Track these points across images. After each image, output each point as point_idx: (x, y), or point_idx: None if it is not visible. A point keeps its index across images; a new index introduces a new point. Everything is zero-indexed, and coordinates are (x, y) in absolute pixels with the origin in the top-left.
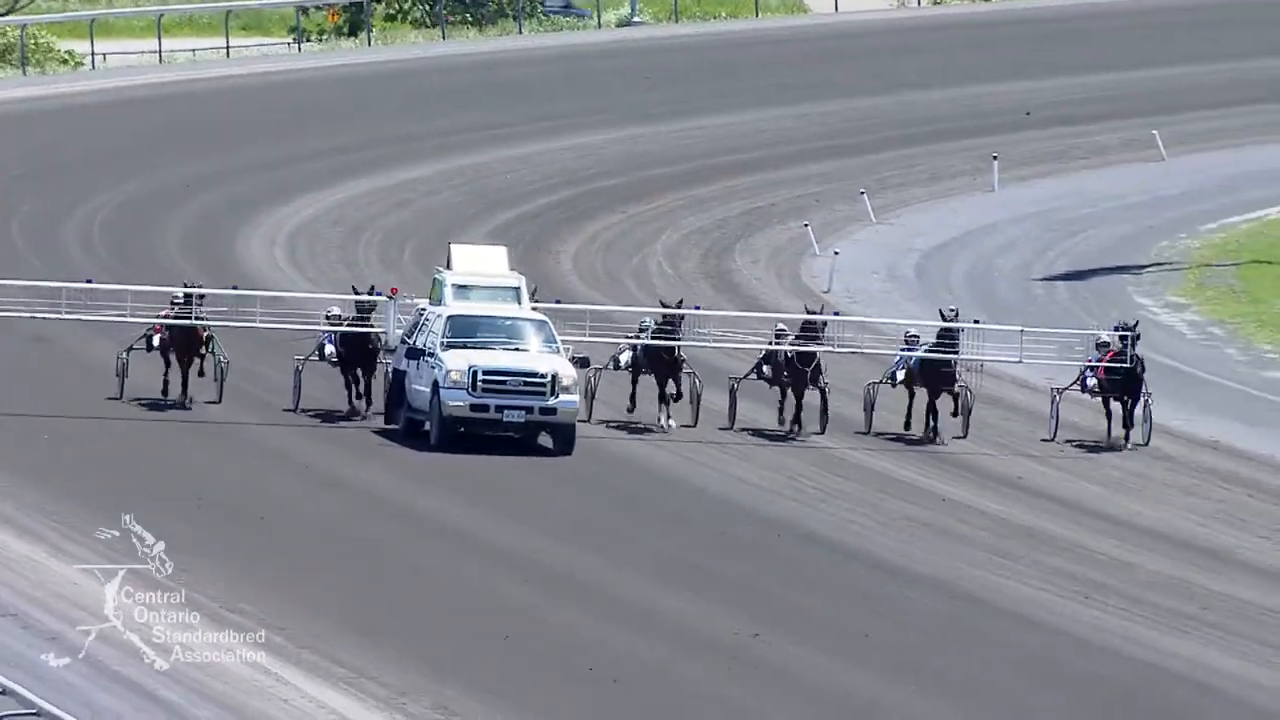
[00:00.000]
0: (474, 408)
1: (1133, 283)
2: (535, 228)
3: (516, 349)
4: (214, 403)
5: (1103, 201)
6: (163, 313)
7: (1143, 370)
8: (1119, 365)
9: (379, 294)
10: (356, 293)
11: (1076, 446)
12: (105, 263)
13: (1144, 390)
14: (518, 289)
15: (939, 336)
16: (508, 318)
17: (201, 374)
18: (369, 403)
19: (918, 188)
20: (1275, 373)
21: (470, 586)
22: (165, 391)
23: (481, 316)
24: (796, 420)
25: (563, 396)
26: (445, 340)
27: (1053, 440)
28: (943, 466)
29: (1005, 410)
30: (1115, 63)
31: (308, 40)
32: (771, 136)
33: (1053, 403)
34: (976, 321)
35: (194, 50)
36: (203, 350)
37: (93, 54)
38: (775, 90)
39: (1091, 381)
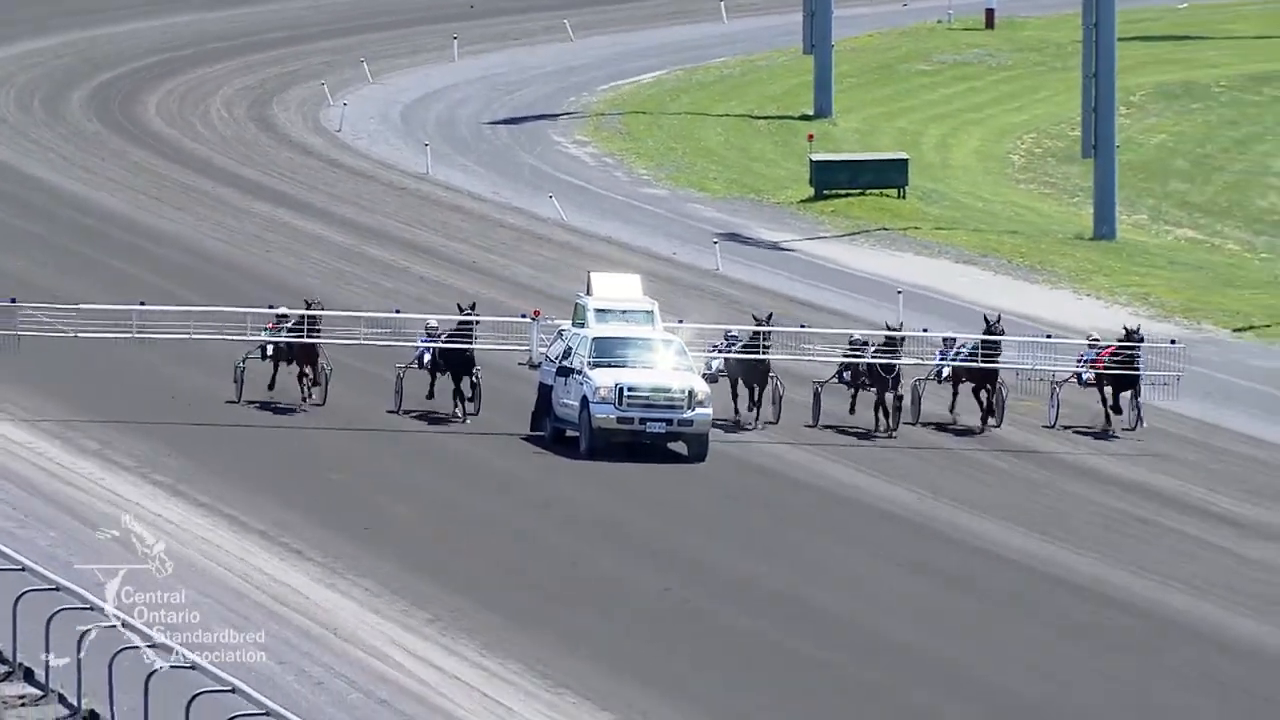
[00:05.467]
0: (620, 420)
1: (551, 126)
2: (128, 84)
3: (654, 367)
4: (318, 404)
5: (530, 70)
6: (269, 325)
7: (1140, 368)
8: (1120, 362)
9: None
10: (461, 310)
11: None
12: None
13: (1139, 383)
14: (651, 312)
15: (983, 340)
16: (645, 338)
17: (316, 383)
18: (471, 405)
19: (402, 59)
20: (649, 189)
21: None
22: (272, 385)
23: (623, 338)
24: (891, 417)
25: (698, 410)
26: (591, 359)
27: (1053, 427)
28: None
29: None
30: None
31: None
32: (294, 20)
33: (1053, 394)
34: (1048, 336)
35: None
36: (318, 360)
37: None
38: None
39: (1087, 375)
